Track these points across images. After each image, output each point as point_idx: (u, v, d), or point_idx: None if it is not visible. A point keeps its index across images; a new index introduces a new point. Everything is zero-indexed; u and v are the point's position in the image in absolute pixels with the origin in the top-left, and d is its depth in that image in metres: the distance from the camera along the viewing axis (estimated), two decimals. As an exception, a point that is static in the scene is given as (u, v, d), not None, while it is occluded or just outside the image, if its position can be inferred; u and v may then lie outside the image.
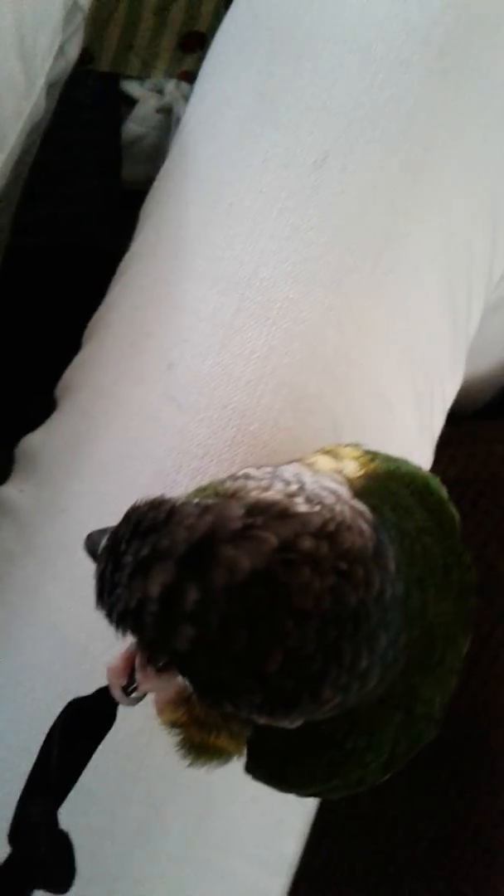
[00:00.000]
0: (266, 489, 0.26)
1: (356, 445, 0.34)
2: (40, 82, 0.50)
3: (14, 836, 0.30)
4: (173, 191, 0.49)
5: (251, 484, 0.27)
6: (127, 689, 0.31)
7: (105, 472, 0.45)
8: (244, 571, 0.23)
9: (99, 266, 0.53)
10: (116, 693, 0.31)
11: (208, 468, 0.43)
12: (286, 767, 0.31)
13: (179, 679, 0.26)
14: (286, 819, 0.46)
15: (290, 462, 0.32)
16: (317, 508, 0.25)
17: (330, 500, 0.26)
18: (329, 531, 0.24)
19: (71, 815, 0.31)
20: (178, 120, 0.80)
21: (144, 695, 0.31)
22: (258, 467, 0.30)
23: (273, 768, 0.32)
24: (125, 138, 0.82)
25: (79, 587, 0.44)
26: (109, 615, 0.26)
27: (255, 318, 0.43)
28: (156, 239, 0.48)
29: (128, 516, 0.27)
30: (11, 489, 0.49)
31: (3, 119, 0.47)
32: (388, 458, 0.33)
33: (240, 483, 0.27)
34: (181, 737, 0.31)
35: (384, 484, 0.31)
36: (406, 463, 0.34)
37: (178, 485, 0.43)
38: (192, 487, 0.43)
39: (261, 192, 0.44)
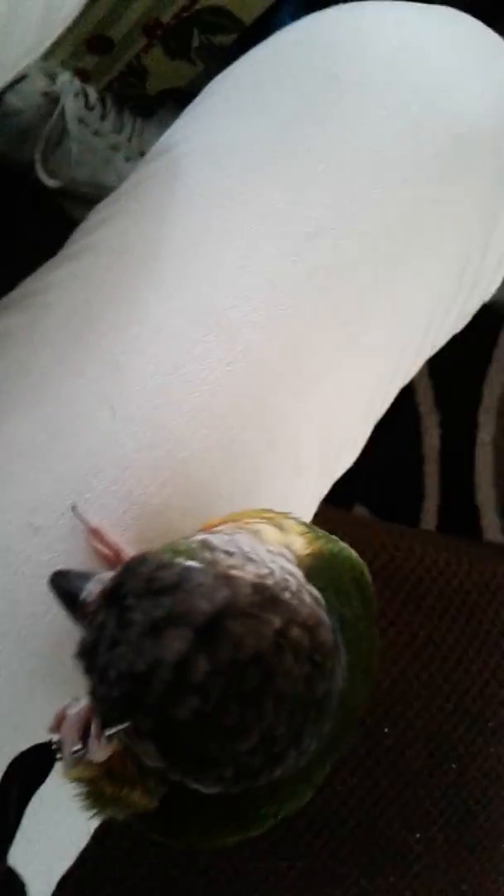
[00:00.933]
0: (239, 567, 0.28)
1: (295, 518, 0.36)
2: None
3: None
4: (154, 203, 0.48)
5: (220, 556, 0.28)
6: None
7: (14, 452, 0.43)
8: (248, 650, 0.25)
9: None
10: (67, 756, 0.30)
11: (127, 482, 0.42)
12: (192, 825, 0.32)
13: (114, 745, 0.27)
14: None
15: (233, 524, 0.34)
16: (296, 600, 0.28)
17: (294, 586, 0.28)
18: (310, 624, 0.27)
19: None
20: (64, 112, 0.82)
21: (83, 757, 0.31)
22: (210, 530, 0.32)
23: (178, 825, 0.32)
24: None
25: None
26: (103, 671, 0.26)
27: (214, 353, 0.44)
28: (123, 241, 0.48)
29: (131, 570, 0.27)
30: None
31: None
32: (328, 539, 0.36)
33: (214, 555, 0.29)
34: (87, 789, 0.31)
35: (328, 565, 0.33)
36: (344, 546, 0.36)
37: (91, 488, 0.42)
38: (105, 496, 0.42)
39: (251, 241, 0.45)
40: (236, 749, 0.25)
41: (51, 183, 0.86)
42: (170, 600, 0.25)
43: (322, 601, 0.29)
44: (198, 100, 0.55)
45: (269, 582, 0.27)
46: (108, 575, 0.29)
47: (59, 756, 0.31)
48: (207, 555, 0.29)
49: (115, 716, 0.27)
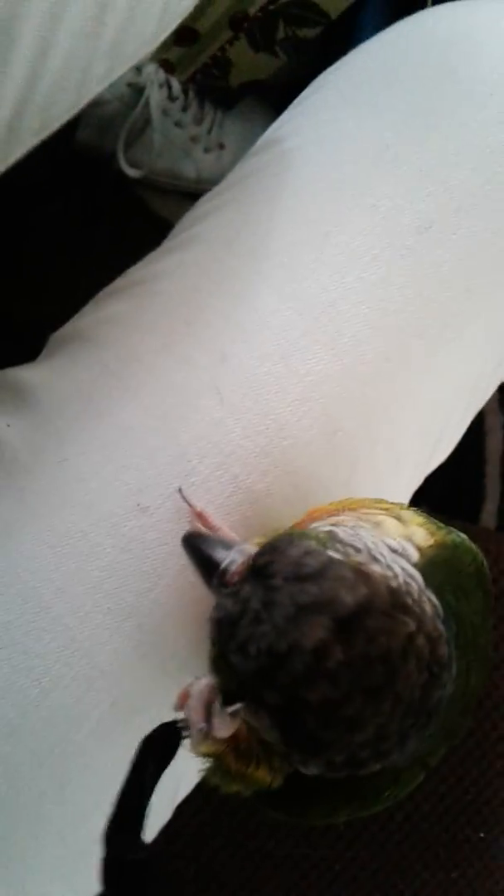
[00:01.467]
0: (368, 564, 0.29)
1: (413, 509, 0.37)
2: None
3: (109, 876, 0.29)
4: (264, 194, 0.49)
5: (349, 551, 0.29)
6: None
7: (123, 437, 0.44)
8: (380, 648, 0.26)
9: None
10: (194, 733, 0.32)
11: (232, 467, 0.43)
12: (316, 805, 0.33)
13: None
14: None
15: (351, 514, 0.34)
16: (418, 609, 0.28)
17: (415, 592, 0.29)
18: (433, 636, 0.28)
19: None
20: (148, 103, 0.83)
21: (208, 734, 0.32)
22: (329, 518, 0.32)
23: (302, 804, 0.33)
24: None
25: (56, 542, 0.42)
26: (244, 643, 0.27)
27: (321, 344, 0.44)
28: (232, 232, 0.48)
29: (279, 550, 0.28)
30: None
31: None
32: (448, 530, 0.36)
33: (346, 550, 0.29)
34: (215, 765, 0.32)
35: (450, 557, 0.34)
36: (464, 538, 0.36)
37: (195, 473, 0.43)
38: (210, 480, 0.43)
39: (361, 234, 0.46)
40: (351, 738, 0.26)
41: (131, 172, 0.87)
42: (315, 588, 0.26)
43: (440, 610, 0.30)
44: (306, 93, 0.55)
45: (395, 585, 0.28)
46: (250, 548, 0.30)
47: (185, 734, 0.32)
48: (339, 547, 0.29)
49: (249, 687, 0.28)
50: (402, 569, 0.29)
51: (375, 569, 0.28)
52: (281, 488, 0.44)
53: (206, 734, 0.31)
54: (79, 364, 0.47)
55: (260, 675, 0.27)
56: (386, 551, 0.30)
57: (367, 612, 0.26)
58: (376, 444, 0.46)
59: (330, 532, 0.31)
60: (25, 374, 0.48)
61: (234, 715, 0.30)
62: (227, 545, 0.31)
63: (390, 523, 0.34)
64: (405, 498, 0.52)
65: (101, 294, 0.53)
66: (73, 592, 0.41)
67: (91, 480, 0.43)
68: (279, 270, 0.46)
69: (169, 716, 0.44)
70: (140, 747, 0.31)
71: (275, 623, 0.26)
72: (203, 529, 0.42)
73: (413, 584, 0.29)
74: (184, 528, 0.42)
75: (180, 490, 0.42)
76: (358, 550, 0.29)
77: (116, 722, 0.42)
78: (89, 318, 0.50)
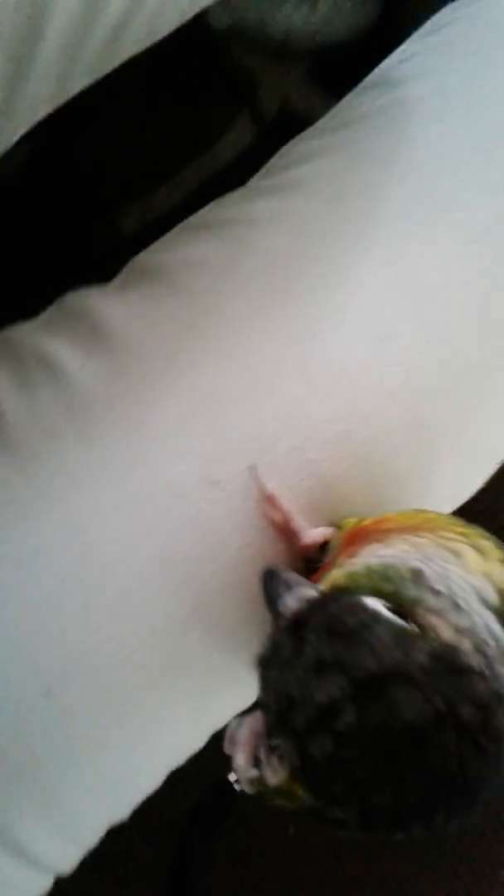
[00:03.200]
0: (440, 614, 0.28)
1: (491, 538, 0.35)
2: None
3: None
4: (378, 149, 0.45)
5: (426, 596, 0.28)
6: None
7: (202, 404, 0.42)
8: (402, 718, 0.25)
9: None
10: (246, 784, 0.33)
11: (309, 451, 0.42)
12: None
13: None
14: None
15: (431, 537, 0.32)
16: (483, 673, 0.26)
17: (492, 650, 0.27)
18: (489, 705, 0.26)
19: None
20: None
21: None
22: (415, 544, 0.31)
23: None
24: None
25: (123, 503, 0.42)
26: (270, 684, 0.27)
27: (418, 336, 0.42)
28: (339, 189, 0.45)
29: (320, 606, 0.28)
30: (67, 354, 0.45)
31: None
32: None
33: (420, 593, 0.28)
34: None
35: None
36: None
37: (271, 452, 0.42)
38: (285, 462, 0.42)
39: (479, 215, 0.42)
40: (364, 799, 0.26)
41: (220, 23, 0.80)
42: (341, 646, 0.26)
43: None
44: (439, 20, 0.49)
45: (462, 644, 0.27)
46: (309, 592, 0.30)
47: (238, 788, 0.33)
48: (411, 592, 0.28)
49: (273, 727, 0.28)
50: (486, 625, 0.28)
51: (451, 618, 0.27)
52: (356, 477, 0.43)
53: (259, 781, 0.32)
54: (161, 311, 0.45)
55: (279, 718, 0.27)
56: (473, 599, 0.29)
57: (393, 680, 0.25)
58: (461, 445, 0.44)
59: (416, 571, 0.29)
60: (103, 306, 0.47)
61: (281, 758, 0.31)
62: (290, 586, 0.30)
63: (471, 556, 0.32)
64: (470, 494, 0.50)
65: (188, 223, 0.51)
66: (136, 555, 0.41)
67: (164, 445, 0.42)
68: (387, 245, 0.43)
69: (210, 687, 0.45)
70: (189, 815, 0.32)
71: (296, 674, 0.26)
72: (276, 517, 0.41)
73: (491, 643, 0.28)
74: (252, 507, 0.42)
75: (253, 468, 0.42)
76: (437, 595, 0.28)
77: (162, 682, 0.43)
78: (175, 253, 0.48)
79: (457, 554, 0.32)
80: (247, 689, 0.48)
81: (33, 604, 0.41)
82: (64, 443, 0.43)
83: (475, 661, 0.27)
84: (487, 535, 0.35)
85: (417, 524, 0.36)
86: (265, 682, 0.28)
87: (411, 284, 0.42)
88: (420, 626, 0.27)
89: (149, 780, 0.48)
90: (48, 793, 0.43)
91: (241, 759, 0.34)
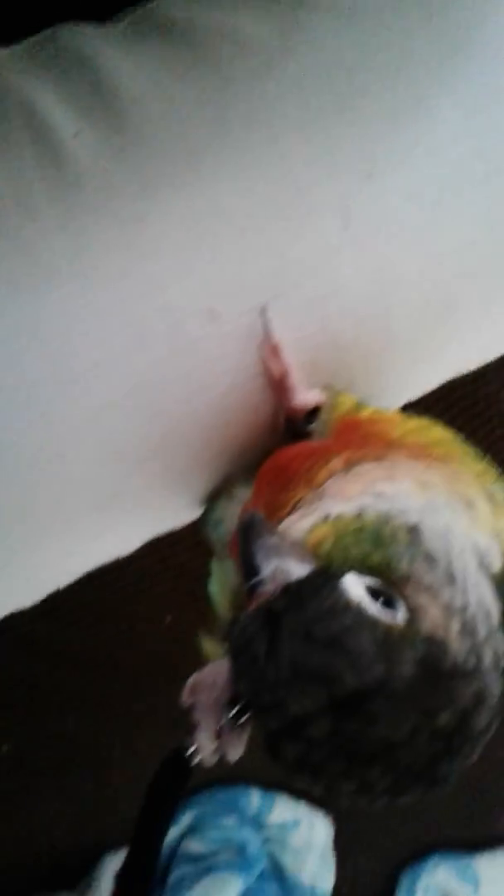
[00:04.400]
0: (434, 590, 0.25)
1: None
2: None
3: None
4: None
5: (419, 568, 0.25)
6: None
7: (218, 221, 0.36)
8: (379, 731, 0.23)
9: None
10: (207, 754, 0.31)
11: (328, 306, 0.38)
12: None
13: None
14: None
15: (449, 482, 0.29)
16: (465, 669, 0.25)
17: (482, 634, 0.25)
18: (467, 708, 0.24)
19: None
20: None
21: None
22: (424, 482, 0.28)
23: None
24: None
25: (106, 315, 0.36)
26: (241, 673, 0.25)
27: (483, 199, 0.37)
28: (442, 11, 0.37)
29: (296, 600, 0.24)
30: (59, 113, 0.37)
31: None
32: None
33: (412, 566, 0.26)
34: None
35: None
36: None
37: (287, 296, 0.37)
38: (299, 312, 0.37)
39: None
40: (334, 786, 0.25)
41: None
42: (320, 656, 0.23)
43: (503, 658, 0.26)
44: None
45: (451, 628, 0.25)
46: (288, 570, 0.25)
47: (195, 760, 0.31)
48: (403, 565, 0.25)
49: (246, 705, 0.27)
50: (479, 601, 0.26)
51: (444, 595, 0.25)
52: (369, 344, 0.39)
53: (217, 754, 0.31)
54: (184, 86, 0.37)
55: (253, 699, 0.25)
56: (472, 566, 0.27)
57: (375, 694, 0.23)
58: (485, 328, 0.41)
59: (414, 529, 0.26)
60: (106, 55, 0.38)
61: (242, 728, 0.30)
62: (271, 553, 0.26)
63: (483, 510, 0.29)
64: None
65: None
66: (108, 374, 0.37)
67: (167, 259, 0.36)
68: (475, 83, 0.36)
69: (143, 517, 0.43)
70: (149, 789, 0.30)
71: (270, 676, 0.24)
72: (274, 368, 0.37)
73: (482, 625, 0.25)
74: (250, 352, 0.37)
75: (264, 310, 0.37)
76: (433, 564, 0.26)
77: (104, 505, 0.40)
78: (211, 15, 0.38)
79: (469, 504, 0.29)
80: (176, 521, 0.46)
81: None
82: (38, 226, 0.35)
83: (462, 647, 0.25)
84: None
85: (428, 445, 0.32)
86: (236, 670, 0.25)
87: (493, 138, 0.36)
88: (409, 607, 0.25)
89: (55, 582, 0.46)
90: None
91: (203, 731, 0.32)
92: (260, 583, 0.25)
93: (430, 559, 0.26)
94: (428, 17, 0.36)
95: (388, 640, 0.23)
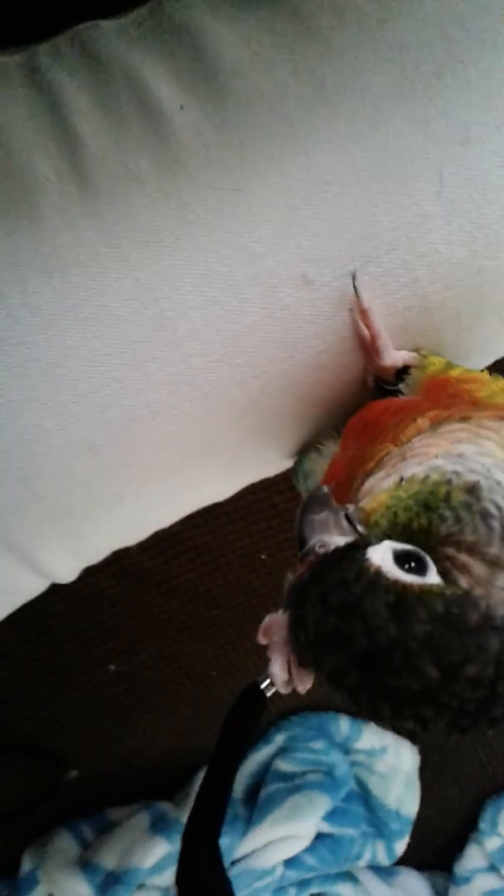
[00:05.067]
0: (474, 550, 0.26)
1: None
2: None
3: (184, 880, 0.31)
4: None
5: (466, 537, 0.26)
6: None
7: (315, 190, 0.37)
8: (403, 685, 0.25)
9: None
10: (280, 686, 0.35)
11: (418, 270, 0.38)
12: None
13: None
14: None
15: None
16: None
17: None
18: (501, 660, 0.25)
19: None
20: None
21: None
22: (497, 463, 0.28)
23: None
24: None
25: (205, 281, 0.38)
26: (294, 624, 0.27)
27: None
28: None
29: (319, 573, 0.27)
30: (165, 87, 0.38)
31: None
32: None
33: (455, 528, 0.27)
34: None
35: None
36: None
37: (378, 262, 0.38)
38: (389, 276, 0.38)
39: None
40: (402, 725, 0.26)
41: None
42: (335, 622, 0.26)
43: None
44: None
45: (496, 582, 0.26)
46: (330, 541, 0.28)
47: (269, 692, 0.35)
48: (448, 524, 0.27)
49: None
50: None
51: (488, 553, 0.26)
52: (458, 308, 0.39)
53: (289, 686, 0.34)
54: (286, 56, 0.37)
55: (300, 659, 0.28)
56: None
57: (392, 650, 0.25)
58: None
59: (474, 488, 0.28)
60: (209, 26, 0.38)
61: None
62: (322, 527, 0.28)
63: None
64: None
65: None
66: (208, 337, 0.39)
67: (263, 228, 0.37)
68: None
69: (237, 472, 0.46)
70: (228, 716, 0.33)
71: (301, 640, 0.27)
72: (364, 331, 0.39)
73: None
74: (342, 315, 0.39)
75: (354, 276, 0.38)
76: (486, 518, 0.27)
77: (199, 460, 0.43)
78: None
79: None
80: (268, 471, 0.49)
81: (91, 362, 0.39)
82: (145, 197, 0.37)
83: (488, 617, 0.25)
84: None
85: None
86: (295, 614, 0.28)
87: None
88: (445, 570, 0.26)
89: (159, 523, 0.50)
90: (72, 528, 0.45)
91: (276, 665, 0.35)
92: (306, 553, 0.28)
93: (486, 515, 0.27)
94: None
95: (403, 601, 0.25)
